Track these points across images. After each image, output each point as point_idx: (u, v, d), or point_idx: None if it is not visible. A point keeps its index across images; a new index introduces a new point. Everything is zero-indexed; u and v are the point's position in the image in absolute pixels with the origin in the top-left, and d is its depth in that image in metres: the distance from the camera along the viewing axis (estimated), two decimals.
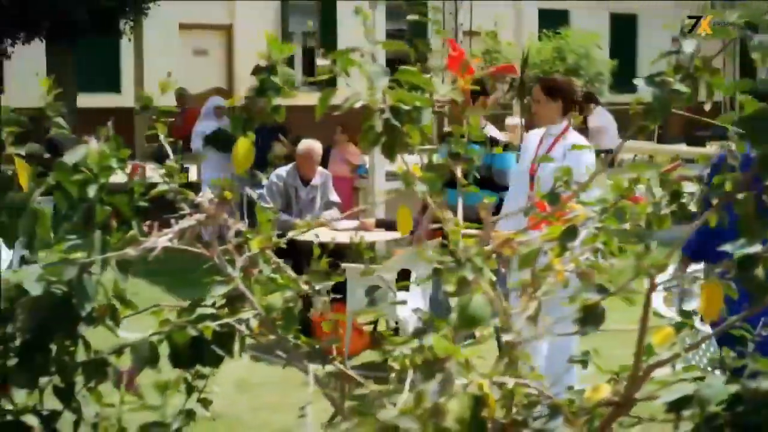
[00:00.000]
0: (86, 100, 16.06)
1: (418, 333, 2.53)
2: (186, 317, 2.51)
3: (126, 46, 18.29)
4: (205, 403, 3.00)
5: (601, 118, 14.32)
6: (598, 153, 13.71)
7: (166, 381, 2.42)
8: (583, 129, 6.57)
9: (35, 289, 2.46)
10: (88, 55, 15.94)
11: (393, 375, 2.79)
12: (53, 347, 2.69)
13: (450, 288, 2.51)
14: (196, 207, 2.56)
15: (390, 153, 2.04)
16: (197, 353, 2.61)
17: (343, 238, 5.47)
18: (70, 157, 2.74)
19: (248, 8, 22.08)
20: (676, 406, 1.76)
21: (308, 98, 23.46)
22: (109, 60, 19.86)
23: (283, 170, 8.99)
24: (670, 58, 2.25)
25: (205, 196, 2.61)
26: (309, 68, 23.35)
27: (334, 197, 9.12)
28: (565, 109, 6.18)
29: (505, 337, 1.92)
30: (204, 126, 12.06)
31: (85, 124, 14.64)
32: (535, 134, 6.34)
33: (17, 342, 2.68)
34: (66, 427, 2.80)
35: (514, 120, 16.50)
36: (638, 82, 2.02)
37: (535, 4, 25.86)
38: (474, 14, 24.08)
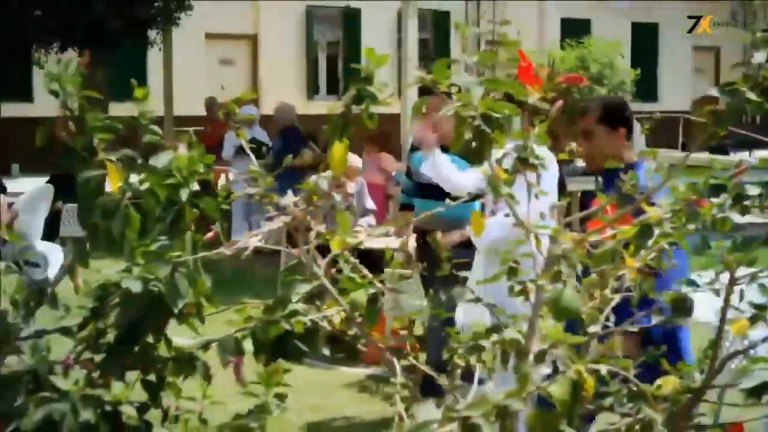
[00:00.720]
0: (116, 109, 16.29)
1: (495, 329, 2.68)
2: (273, 314, 2.64)
3: (152, 56, 18.49)
4: (281, 397, 3.15)
5: None
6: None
7: (270, 371, 2.56)
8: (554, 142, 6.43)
9: (135, 287, 2.61)
10: (117, 64, 16.11)
11: (458, 370, 2.94)
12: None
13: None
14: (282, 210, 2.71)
15: (479, 158, 2.18)
16: (281, 349, 2.75)
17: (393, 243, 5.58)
18: (157, 161, 2.90)
19: (273, 18, 22.29)
20: (755, 393, 1.89)
21: (334, 107, 23.41)
22: (137, 69, 20.05)
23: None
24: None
25: (289, 199, 2.76)
26: (332, 77, 23.51)
27: (370, 204, 9.29)
28: (531, 122, 6.09)
29: (592, 329, 2.06)
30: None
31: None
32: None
33: (107, 337, 2.83)
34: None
35: None
36: (713, 90, 2.15)
37: (557, 13, 26.00)
38: (496, 24, 24.29)
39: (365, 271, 2.84)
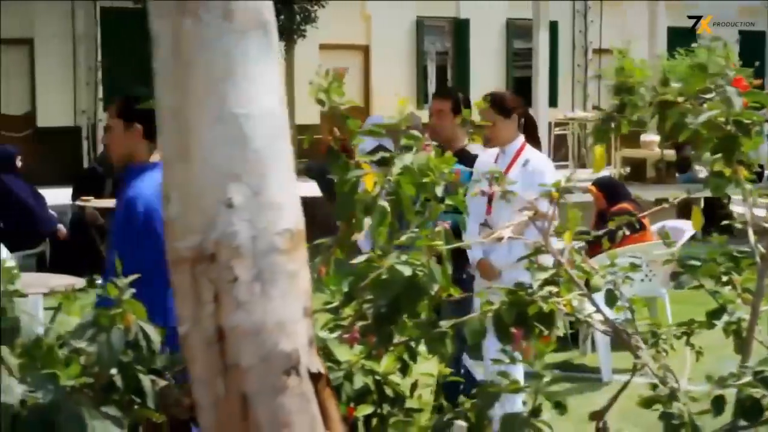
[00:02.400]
0: None
1: (720, 312, 2.99)
2: (531, 296, 2.98)
3: None
4: None
5: None
6: None
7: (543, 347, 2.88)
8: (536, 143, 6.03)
9: (407, 271, 2.98)
10: None
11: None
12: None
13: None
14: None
15: (728, 160, 2.51)
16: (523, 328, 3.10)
17: None
18: (405, 161, 3.27)
19: (384, 29, 22.73)
20: None
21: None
22: None
23: None
24: None
25: (528, 196, 3.11)
26: (441, 87, 23.86)
27: None
28: (519, 126, 5.89)
29: None
30: (365, 142, 12.72)
31: None
32: (489, 155, 5.91)
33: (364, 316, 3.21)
34: None
35: (650, 136, 16.85)
36: None
37: (665, 22, 25.97)
38: (603, 33, 24.41)
39: (591, 262, 3.18)
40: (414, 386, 3.27)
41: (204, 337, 2.25)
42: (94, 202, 10.88)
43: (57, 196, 11.68)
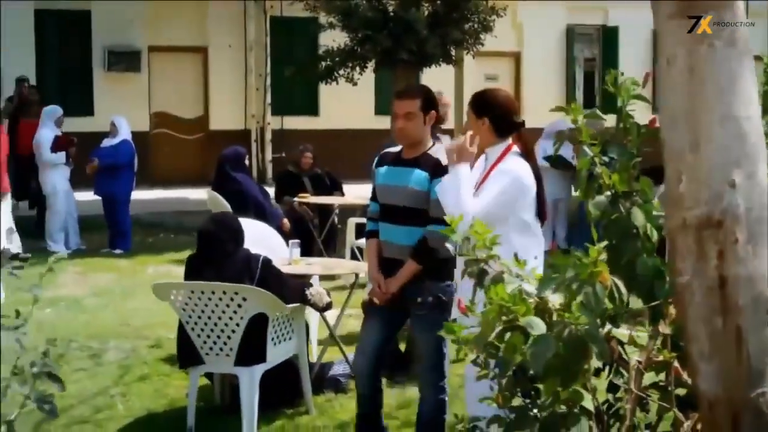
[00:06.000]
0: None
1: None
2: None
3: (426, 72, 19.83)
4: None
5: None
6: None
7: None
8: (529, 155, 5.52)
9: None
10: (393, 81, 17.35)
11: None
12: None
13: None
14: None
15: None
16: None
17: None
18: None
19: (536, 36, 23.40)
20: None
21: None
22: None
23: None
24: None
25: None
26: (588, 92, 24.34)
27: None
28: (497, 129, 5.35)
29: None
30: (545, 145, 13.42)
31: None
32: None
33: None
34: None
35: None
36: None
37: None
38: (750, 39, 24.55)
39: None
40: None
41: (707, 284, 2.97)
42: (310, 199, 11.97)
43: None
